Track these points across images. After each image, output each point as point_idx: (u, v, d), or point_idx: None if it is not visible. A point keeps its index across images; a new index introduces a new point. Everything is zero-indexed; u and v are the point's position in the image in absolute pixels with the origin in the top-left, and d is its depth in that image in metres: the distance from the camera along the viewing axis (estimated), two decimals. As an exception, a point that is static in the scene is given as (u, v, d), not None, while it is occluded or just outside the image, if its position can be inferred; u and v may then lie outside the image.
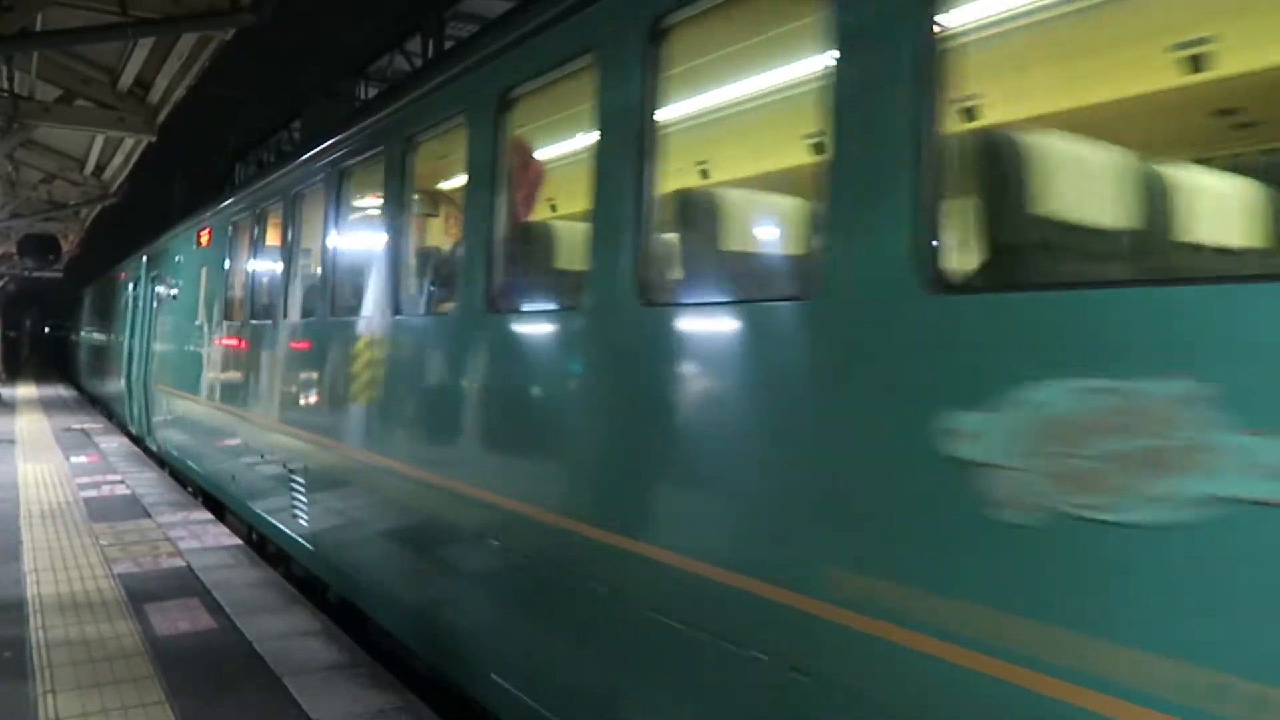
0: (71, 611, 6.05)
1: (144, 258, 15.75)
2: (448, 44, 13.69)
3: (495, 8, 11.61)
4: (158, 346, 13.64)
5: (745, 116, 4.95)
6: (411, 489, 5.05)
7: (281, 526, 7.36)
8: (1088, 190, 2.60)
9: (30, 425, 17.98)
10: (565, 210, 6.47)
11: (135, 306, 16.25)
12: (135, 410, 15.50)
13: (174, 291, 12.50)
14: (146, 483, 11.45)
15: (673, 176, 4.74)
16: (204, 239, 10.92)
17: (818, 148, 2.73)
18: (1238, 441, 1.70)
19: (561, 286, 4.31)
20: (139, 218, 23.36)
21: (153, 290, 14.43)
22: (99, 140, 10.91)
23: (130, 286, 17.29)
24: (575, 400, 3.76)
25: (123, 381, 16.79)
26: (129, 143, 10.34)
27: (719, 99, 4.76)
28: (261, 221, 8.76)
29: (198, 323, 10.81)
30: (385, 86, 14.24)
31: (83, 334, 31.75)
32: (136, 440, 15.64)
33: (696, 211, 3.73)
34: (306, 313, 7.25)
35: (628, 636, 3.32)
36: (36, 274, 23.15)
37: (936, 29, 2.34)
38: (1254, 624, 1.68)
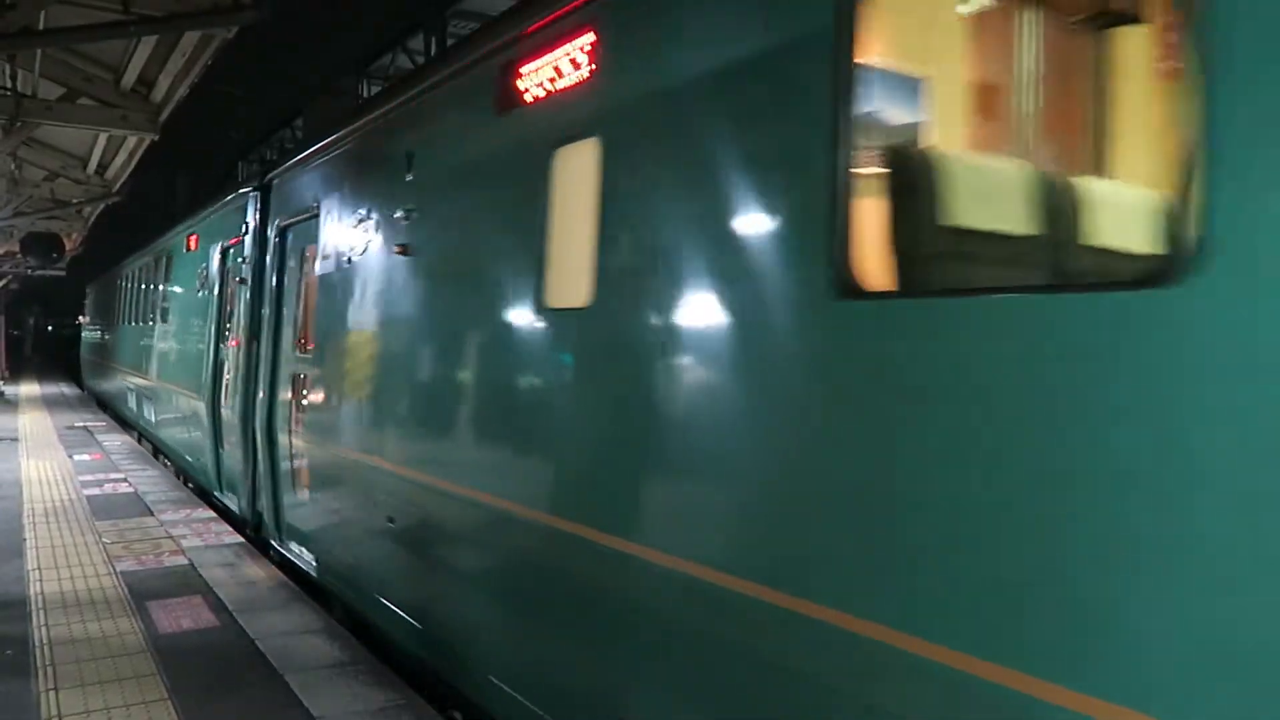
0: (74, 609, 6.06)
1: (252, 196, 8.82)
2: (449, 41, 13.70)
3: (497, 5, 11.60)
4: (296, 360, 7.25)
5: None
6: None
7: None
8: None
9: (33, 423, 18.01)
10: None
11: (223, 287, 9.84)
12: (228, 465, 9.21)
13: (381, 243, 5.69)
14: (149, 480, 11.46)
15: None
16: (537, 85, 4.19)
17: None
18: None
19: None
20: (142, 216, 23.40)
21: (283, 252, 7.96)
22: (102, 139, 10.92)
23: (210, 256, 10.39)
24: None
25: (203, 415, 10.06)
26: (132, 141, 10.34)
27: None
28: None
29: (518, 306, 4.28)
30: (387, 84, 14.24)
31: (107, 334, 22.31)
32: (211, 503, 10.04)
33: None
34: None
35: None
36: (39, 272, 23.24)
37: None
38: None
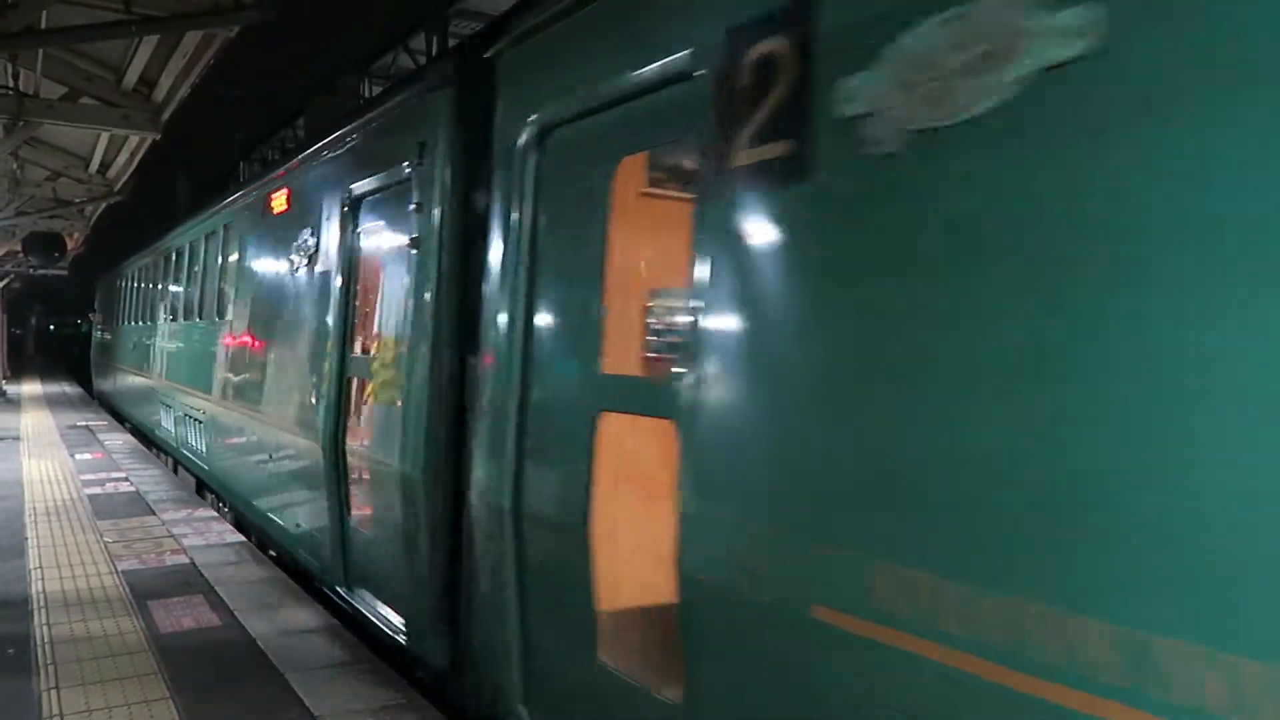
0: (75, 608, 6.07)
1: (441, 95, 4.85)
2: (451, 41, 13.69)
3: (499, 4, 11.60)
4: (626, 391, 3.47)
5: None
6: None
7: None
8: None
9: (35, 422, 18.03)
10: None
11: (351, 261, 6.20)
12: (366, 549, 5.71)
13: None
14: (150, 479, 11.47)
15: None
16: None
17: None
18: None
19: None
20: (144, 215, 23.41)
21: (540, 180, 3.96)
22: (104, 138, 10.93)
23: (324, 216, 6.66)
24: None
25: (316, 463, 6.26)
26: (133, 140, 10.35)
27: None
28: None
29: None
30: (389, 84, 14.23)
31: (125, 335, 18.53)
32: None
33: None
34: None
35: None
36: (41, 272, 23.26)
37: None
38: None
